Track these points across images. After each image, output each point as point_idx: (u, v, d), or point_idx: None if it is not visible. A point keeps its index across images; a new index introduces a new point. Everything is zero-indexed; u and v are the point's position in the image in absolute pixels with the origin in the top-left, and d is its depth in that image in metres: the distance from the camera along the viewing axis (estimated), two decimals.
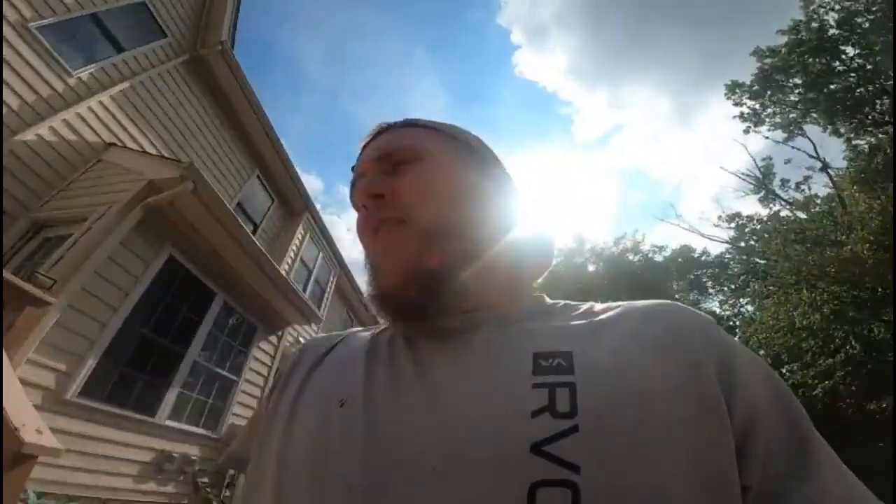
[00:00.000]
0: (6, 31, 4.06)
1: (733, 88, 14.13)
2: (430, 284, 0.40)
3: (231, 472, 5.18)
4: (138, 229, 3.87)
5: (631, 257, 16.13)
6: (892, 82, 10.72)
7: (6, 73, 4.05)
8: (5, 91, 4.04)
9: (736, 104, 14.31)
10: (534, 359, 0.35)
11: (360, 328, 0.54)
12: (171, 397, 4.37)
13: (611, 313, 0.40)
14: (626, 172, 61.52)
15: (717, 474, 0.28)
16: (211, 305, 4.91)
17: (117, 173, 4.36)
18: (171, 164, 4.09)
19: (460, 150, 0.51)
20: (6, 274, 2.75)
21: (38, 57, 4.35)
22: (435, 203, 0.44)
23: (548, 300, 0.47)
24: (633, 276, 14.66)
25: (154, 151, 5.44)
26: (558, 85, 62.80)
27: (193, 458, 4.70)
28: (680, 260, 15.28)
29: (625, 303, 0.42)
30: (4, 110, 4.03)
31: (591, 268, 16.38)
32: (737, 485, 0.28)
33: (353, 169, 0.54)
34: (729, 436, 0.30)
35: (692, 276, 15.93)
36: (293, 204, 8.26)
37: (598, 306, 0.43)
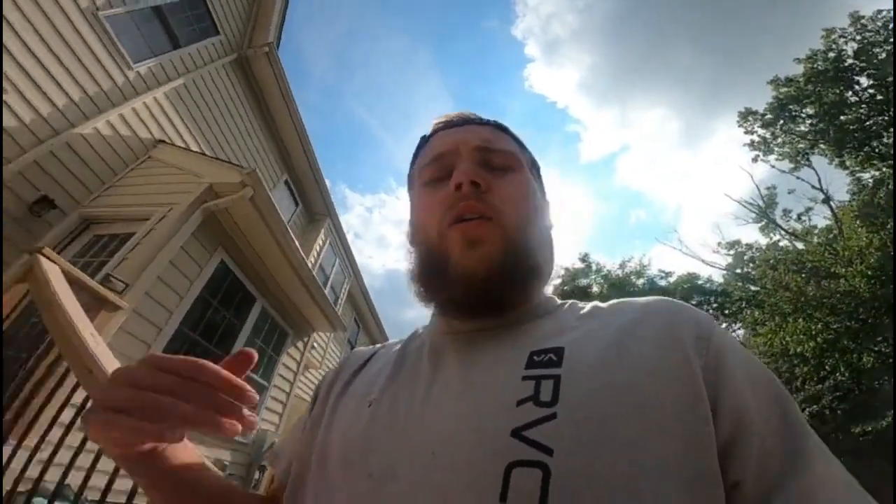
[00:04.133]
0: (75, 16, 3.99)
1: (746, 116, 14.27)
2: (496, 285, 0.42)
3: (256, 475, 5.10)
4: (195, 232, 3.81)
5: (635, 280, 16.37)
6: None
7: (70, 61, 3.97)
8: (67, 80, 3.96)
9: (747, 132, 14.44)
10: (529, 356, 0.38)
11: (396, 340, 0.58)
12: None
13: (611, 310, 0.43)
14: (629, 192, 62.51)
15: (693, 469, 0.29)
16: (251, 310, 4.84)
17: (171, 173, 4.28)
18: (232, 169, 4.04)
19: (534, 170, 0.56)
20: (82, 275, 2.68)
21: (104, 47, 4.27)
22: (521, 216, 0.46)
23: (557, 301, 0.50)
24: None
25: (197, 149, 5.36)
26: (568, 101, 63.61)
27: (226, 462, 4.62)
28: (686, 286, 15.52)
29: (627, 299, 0.44)
30: (64, 100, 3.94)
31: (595, 289, 16.54)
32: (718, 482, 0.29)
33: (424, 138, 0.57)
34: (711, 430, 0.30)
35: (694, 303, 16.10)
36: (316, 209, 8.21)
37: (602, 305, 0.45)
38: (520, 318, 0.45)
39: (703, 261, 16.13)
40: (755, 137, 14.46)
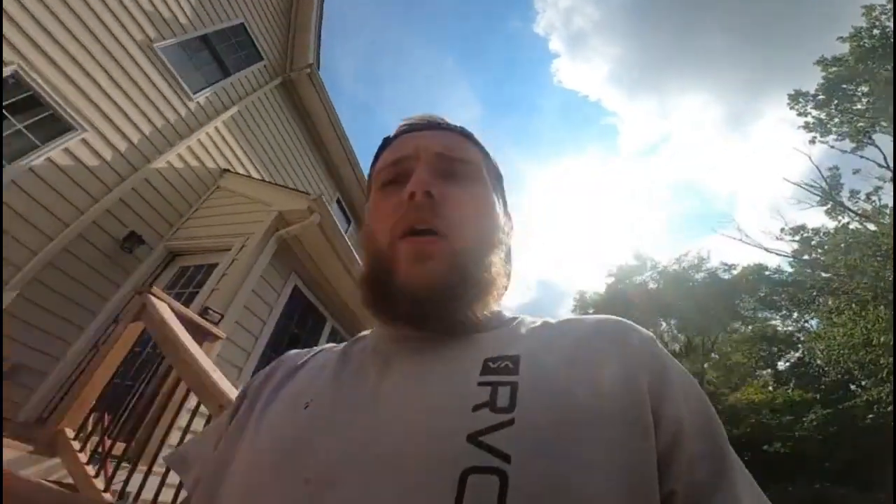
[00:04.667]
0: (134, 51, 4.11)
1: (797, 98, 13.72)
2: (441, 301, 0.41)
3: None
4: (271, 260, 3.83)
5: (694, 274, 15.45)
6: None
7: (137, 96, 4.09)
8: (138, 116, 4.07)
9: (800, 114, 13.86)
10: (484, 362, 0.37)
11: (334, 344, 0.55)
12: None
13: (563, 325, 0.43)
14: (678, 183, 60.19)
15: (639, 477, 0.29)
16: (323, 329, 4.85)
17: (240, 202, 4.32)
18: (298, 196, 4.03)
19: (496, 181, 0.53)
20: (187, 311, 2.68)
21: (164, 79, 4.39)
22: (473, 232, 0.45)
23: (507, 314, 0.48)
24: (697, 293, 14.02)
25: (257, 175, 5.45)
26: (601, 94, 62.26)
27: None
28: (751, 277, 14.60)
29: (577, 316, 0.45)
30: (138, 136, 4.05)
31: (652, 285, 15.73)
32: (656, 490, 0.29)
33: (387, 139, 0.55)
34: (652, 443, 0.31)
35: (762, 294, 15.34)
36: None
37: (552, 320, 0.45)
38: (470, 328, 0.44)
39: (765, 249, 15.09)
40: (809, 119, 13.80)
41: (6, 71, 3.27)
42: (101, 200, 3.63)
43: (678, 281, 14.63)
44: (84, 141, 3.66)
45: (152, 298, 2.26)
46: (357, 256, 4.52)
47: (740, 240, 14.88)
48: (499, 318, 0.47)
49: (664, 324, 15.31)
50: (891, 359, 10.89)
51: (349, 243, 4.30)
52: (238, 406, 0.50)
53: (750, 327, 16.06)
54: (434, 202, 0.43)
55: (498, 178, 0.55)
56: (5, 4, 3.25)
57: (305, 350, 0.55)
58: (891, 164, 12.89)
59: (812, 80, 13.29)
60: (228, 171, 4.94)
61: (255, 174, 5.41)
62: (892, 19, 11.91)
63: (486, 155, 0.54)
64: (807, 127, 13.82)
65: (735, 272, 15.41)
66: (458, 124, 0.54)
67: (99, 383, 2.16)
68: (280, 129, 6.16)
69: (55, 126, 3.57)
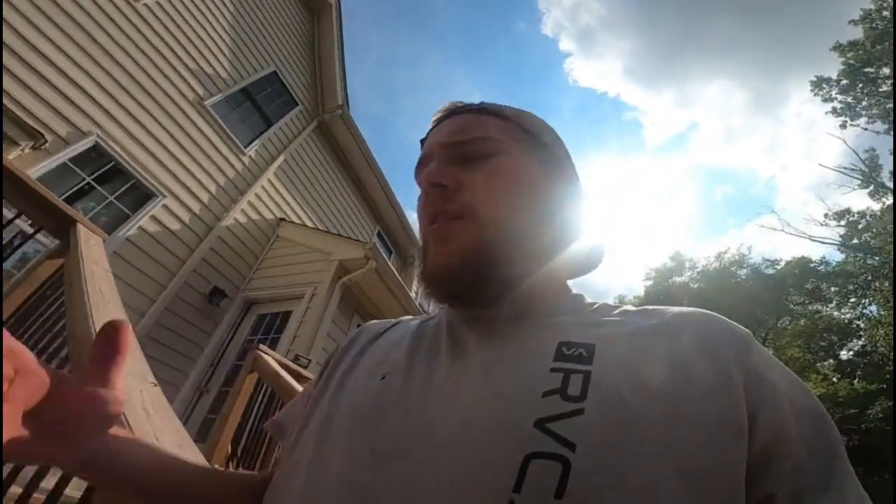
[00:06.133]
0: (189, 110, 4.49)
1: (819, 84, 13.36)
2: (468, 278, 0.41)
3: None
4: (338, 305, 4.09)
5: (736, 270, 14.88)
6: None
7: (201, 157, 4.48)
8: (204, 177, 4.45)
9: (825, 100, 13.48)
10: (558, 347, 0.36)
11: (411, 317, 0.55)
12: None
13: (645, 314, 0.40)
14: (710, 171, 58.25)
15: (714, 483, 0.28)
16: None
17: (301, 251, 4.64)
18: (355, 245, 4.34)
19: (532, 146, 0.49)
20: (287, 360, 2.91)
21: (218, 136, 4.77)
22: (500, 206, 0.43)
23: (587, 299, 0.47)
24: (742, 291, 13.46)
25: (308, 220, 5.76)
26: (619, 89, 61.68)
27: None
28: (796, 271, 13.99)
29: (660, 307, 0.42)
30: (207, 196, 4.41)
31: (693, 286, 15.17)
32: (741, 499, 0.28)
33: (421, 142, 0.53)
34: (741, 448, 0.29)
35: (809, 286, 14.77)
36: (408, 253, 8.48)
37: (632, 308, 0.43)
38: (547, 309, 0.43)
39: (810, 238, 14.51)
40: (837, 104, 13.37)
41: (88, 141, 3.68)
42: (188, 261, 3.99)
43: (721, 279, 14.07)
44: (165, 206, 4.04)
45: (262, 354, 2.57)
46: (405, 286, 4.74)
47: (782, 230, 14.45)
48: (576, 302, 0.46)
49: None
50: None
51: (400, 280, 4.53)
52: (324, 368, 0.52)
53: (802, 321, 15.32)
54: (447, 190, 0.44)
55: (539, 144, 0.50)
56: (81, 80, 3.67)
57: (384, 321, 0.56)
58: None
59: (831, 63, 12.90)
60: (284, 220, 5.26)
61: (305, 219, 5.73)
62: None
63: (512, 120, 0.50)
64: (835, 112, 13.42)
65: (779, 266, 14.89)
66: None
67: (232, 427, 2.41)
68: (321, 170, 6.50)
69: (139, 194, 3.97)
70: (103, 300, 1.63)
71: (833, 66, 13.21)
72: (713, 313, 0.39)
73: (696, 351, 0.34)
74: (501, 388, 0.34)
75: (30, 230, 2.73)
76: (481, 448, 0.30)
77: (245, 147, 5.09)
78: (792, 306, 16.22)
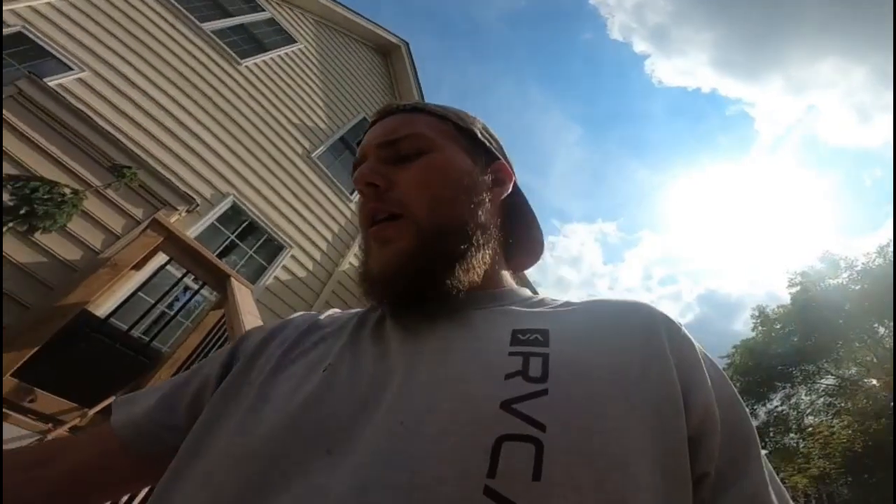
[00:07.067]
0: (301, 165, 4.85)
1: None
2: (420, 278, 0.41)
3: None
4: None
5: None
6: None
7: (315, 207, 4.81)
8: (321, 226, 4.76)
9: None
10: (512, 333, 0.36)
11: (342, 311, 0.53)
12: None
13: (588, 305, 0.42)
14: (851, 156, 51.29)
15: (672, 456, 0.29)
16: None
17: None
18: None
19: (465, 141, 0.50)
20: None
21: (327, 186, 5.11)
22: (434, 201, 0.44)
23: (528, 292, 0.48)
24: None
25: None
26: (712, 84, 57.93)
27: None
28: None
29: (600, 298, 0.44)
30: (325, 244, 4.71)
31: (854, 287, 12.65)
32: (687, 470, 0.30)
33: (357, 144, 0.55)
34: (683, 424, 0.31)
35: None
36: None
37: (575, 301, 0.44)
38: (493, 299, 0.44)
39: None
40: None
41: (227, 202, 4.12)
42: (314, 305, 4.24)
43: (887, 276, 11.41)
44: (293, 257, 4.38)
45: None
46: None
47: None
48: (521, 294, 0.47)
49: (882, 329, 12.02)
50: None
51: None
52: (228, 363, 0.46)
53: None
54: (380, 190, 0.44)
55: (472, 138, 0.51)
56: (214, 144, 4.12)
57: (315, 312, 0.54)
58: None
59: None
60: None
61: None
62: None
63: (445, 118, 0.51)
64: None
65: None
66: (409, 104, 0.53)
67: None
68: None
69: (271, 246, 4.36)
70: None
71: None
72: (648, 304, 0.41)
73: (639, 335, 0.36)
74: (460, 372, 0.33)
75: (194, 285, 3.14)
76: (446, 434, 0.29)
77: (351, 193, 5.42)
78: None
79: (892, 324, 11.13)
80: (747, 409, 0.36)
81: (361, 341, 0.42)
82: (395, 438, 0.29)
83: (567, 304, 0.43)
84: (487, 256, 0.45)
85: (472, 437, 0.28)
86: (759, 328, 13.90)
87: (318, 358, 0.41)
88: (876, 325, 11.73)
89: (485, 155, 0.51)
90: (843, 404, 11.61)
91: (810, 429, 12.10)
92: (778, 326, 13.43)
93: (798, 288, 12.85)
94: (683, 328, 0.39)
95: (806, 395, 12.87)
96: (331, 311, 0.53)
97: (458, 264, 0.42)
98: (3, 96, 2.81)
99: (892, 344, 11.32)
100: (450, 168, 0.47)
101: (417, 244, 0.41)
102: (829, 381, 12.46)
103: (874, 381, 11.35)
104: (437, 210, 0.43)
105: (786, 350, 12.74)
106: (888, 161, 46.06)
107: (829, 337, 11.91)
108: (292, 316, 0.53)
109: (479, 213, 0.46)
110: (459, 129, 0.51)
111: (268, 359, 0.43)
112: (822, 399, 12.47)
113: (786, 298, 13.46)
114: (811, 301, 12.25)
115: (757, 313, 14.01)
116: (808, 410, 12.62)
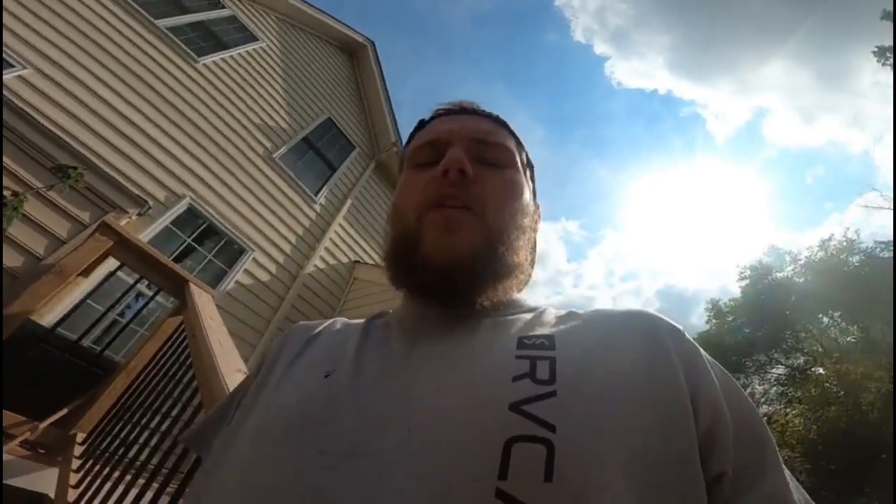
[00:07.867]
0: (262, 165, 4.74)
1: (882, 53, 11.89)
2: (467, 275, 0.40)
3: None
4: None
5: (847, 258, 12.98)
6: None
7: (278, 209, 4.72)
8: (284, 229, 4.67)
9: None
10: (518, 339, 0.37)
11: (347, 319, 0.54)
12: None
13: (592, 315, 0.42)
14: (793, 154, 54.15)
15: (682, 455, 0.29)
16: None
17: (377, 291, 4.72)
18: None
19: (528, 170, 0.54)
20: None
21: (290, 187, 5.01)
22: (505, 214, 0.44)
23: (532, 302, 0.48)
24: (858, 279, 11.68)
25: (381, 260, 5.86)
26: (668, 85, 60.20)
27: None
28: None
29: (604, 308, 0.44)
30: (289, 247, 4.62)
31: (799, 280, 13.41)
32: (698, 469, 0.29)
33: (422, 121, 0.55)
34: (692, 424, 0.31)
35: None
36: None
37: (579, 311, 0.44)
38: (499, 310, 0.43)
39: None
40: None
41: (183, 204, 3.97)
42: (279, 310, 4.16)
43: (830, 269, 12.19)
44: (255, 260, 4.27)
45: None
46: None
47: (892, 209, 12.38)
48: (524, 305, 0.47)
49: (826, 319, 12.85)
50: None
51: None
52: (255, 374, 0.49)
53: None
54: (467, 180, 0.43)
55: (530, 167, 0.55)
56: (168, 144, 3.97)
57: (317, 321, 0.54)
58: None
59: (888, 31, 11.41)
60: (358, 262, 5.39)
61: (377, 258, 5.84)
62: None
63: (520, 143, 0.54)
64: None
65: None
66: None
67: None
68: (386, 208, 6.66)
69: (232, 250, 4.23)
70: (223, 351, 1.68)
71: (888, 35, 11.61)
72: (652, 312, 0.41)
73: (641, 344, 0.36)
74: (468, 376, 0.34)
75: (148, 292, 3.01)
76: (456, 436, 0.29)
77: (315, 195, 5.34)
78: None
79: (836, 314, 11.97)
80: (756, 408, 0.36)
81: (365, 349, 0.42)
82: (403, 444, 0.29)
83: (571, 313, 0.43)
84: (516, 288, 0.47)
85: (483, 440, 0.28)
86: (713, 321, 14.39)
87: (319, 363, 0.43)
88: (820, 315, 12.56)
89: (534, 186, 0.55)
90: (794, 393, 12.04)
91: (765, 417, 12.73)
92: (730, 319, 13.92)
93: (747, 281, 13.59)
94: (686, 334, 0.39)
95: (759, 384, 13.33)
96: (333, 320, 0.54)
97: (500, 284, 0.42)
98: None
99: (836, 334, 12.16)
100: (522, 192, 0.48)
101: (481, 247, 0.41)
102: (780, 370, 12.99)
103: (821, 370, 11.84)
104: (509, 225, 0.44)
105: (738, 341, 13.19)
106: (830, 160, 49.47)
107: (778, 328, 12.40)
108: (293, 326, 0.55)
109: (528, 247, 0.48)
110: (527, 162, 0.54)
111: (278, 370, 0.45)
112: (774, 388, 12.96)
113: (737, 292, 14.25)
114: (760, 294, 12.95)
115: (710, 306, 14.66)
116: (763, 399, 12.97)
